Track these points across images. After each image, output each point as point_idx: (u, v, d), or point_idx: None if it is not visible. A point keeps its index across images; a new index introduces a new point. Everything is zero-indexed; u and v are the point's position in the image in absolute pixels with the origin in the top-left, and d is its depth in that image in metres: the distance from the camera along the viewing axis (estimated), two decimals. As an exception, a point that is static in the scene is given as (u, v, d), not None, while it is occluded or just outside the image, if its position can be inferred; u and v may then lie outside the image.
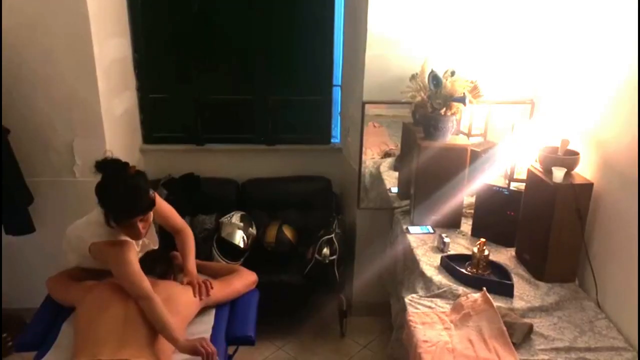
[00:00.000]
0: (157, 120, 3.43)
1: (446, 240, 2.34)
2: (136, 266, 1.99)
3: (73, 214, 2.95)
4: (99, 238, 2.05)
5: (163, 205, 2.29)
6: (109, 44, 2.89)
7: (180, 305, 2.02)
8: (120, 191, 1.95)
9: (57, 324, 2.07)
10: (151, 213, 2.05)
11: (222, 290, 2.22)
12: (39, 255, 3.00)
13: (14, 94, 2.70)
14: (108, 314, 1.91)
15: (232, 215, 3.09)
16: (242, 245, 2.99)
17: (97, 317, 1.91)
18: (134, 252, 2.06)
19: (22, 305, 2.96)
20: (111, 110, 2.92)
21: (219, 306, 2.19)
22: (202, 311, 2.13)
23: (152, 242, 2.31)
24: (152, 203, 2.02)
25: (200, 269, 2.40)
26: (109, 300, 1.95)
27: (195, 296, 2.10)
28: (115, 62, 3.00)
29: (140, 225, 1.99)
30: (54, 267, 2.31)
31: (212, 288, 2.16)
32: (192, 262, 2.27)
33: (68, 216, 2.95)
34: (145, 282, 1.97)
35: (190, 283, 2.15)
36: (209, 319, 2.13)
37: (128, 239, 2.06)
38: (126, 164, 2.02)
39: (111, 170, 1.99)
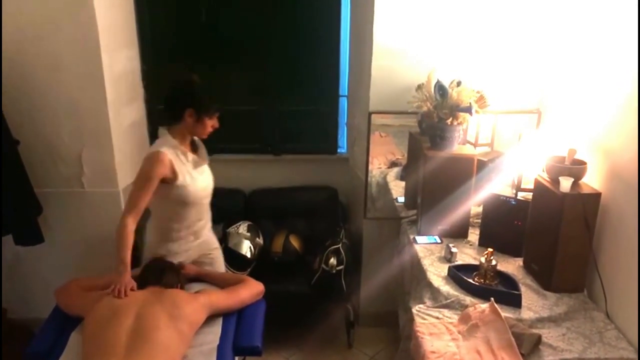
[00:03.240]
0: (164, 131, 3.46)
1: (453, 250, 2.33)
2: (149, 185, 2.18)
3: (81, 225, 2.99)
4: (156, 147, 2.26)
5: None
6: (118, 55, 2.92)
7: (187, 314, 2.02)
8: (199, 87, 2.30)
9: (66, 333, 2.08)
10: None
11: (228, 299, 2.22)
12: (47, 265, 3.02)
13: (24, 105, 2.73)
14: (116, 323, 1.91)
15: (239, 225, 3.10)
16: (249, 255, 3.00)
17: (106, 326, 1.91)
18: (162, 172, 2.21)
19: (31, 315, 2.97)
20: (119, 122, 2.95)
21: (225, 316, 2.19)
22: (209, 321, 2.13)
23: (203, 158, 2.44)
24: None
25: (207, 279, 2.41)
26: (118, 310, 1.96)
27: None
28: (124, 74, 3.03)
29: (212, 122, 2.31)
30: (62, 277, 2.33)
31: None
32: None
33: (76, 227, 2.99)
34: (140, 202, 2.18)
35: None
36: (216, 329, 2.12)
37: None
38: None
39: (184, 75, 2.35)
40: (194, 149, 2.43)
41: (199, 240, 2.49)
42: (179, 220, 2.37)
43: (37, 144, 2.81)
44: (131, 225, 2.18)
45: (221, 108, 2.33)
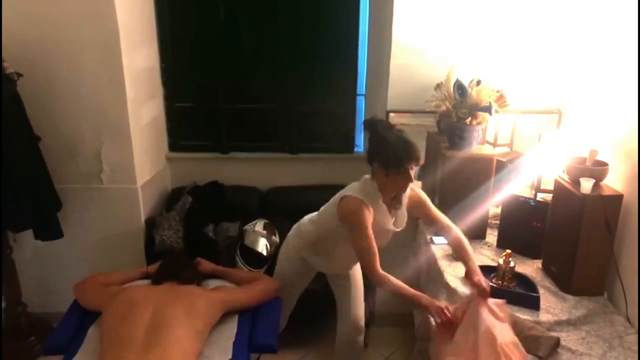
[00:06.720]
0: (183, 128, 3.48)
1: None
2: (369, 231, 2.08)
3: (100, 220, 3.02)
4: (352, 192, 2.13)
5: (428, 202, 2.29)
6: (138, 53, 2.95)
7: (203, 310, 2.03)
8: (393, 139, 2.07)
9: (84, 328, 2.10)
10: (411, 175, 2.11)
11: (244, 297, 2.22)
12: (66, 260, 3.06)
13: (45, 103, 2.77)
14: (134, 319, 1.92)
15: (256, 223, 3.10)
16: (265, 253, 3.00)
17: (123, 322, 1.93)
18: (370, 218, 2.10)
19: (50, 309, 3.01)
20: (138, 119, 2.97)
21: (241, 314, 2.20)
22: (225, 318, 2.14)
23: (401, 220, 2.29)
24: (419, 157, 2.11)
25: (223, 276, 2.42)
26: (136, 305, 1.97)
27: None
28: (143, 72, 3.05)
29: (404, 178, 2.08)
30: (81, 272, 2.35)
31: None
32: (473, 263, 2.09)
33: (95, 222, 3.02)
34: (374, 252, 2.09)
35: (479, 282, 1.97)
36: (232, 326, 2.13)
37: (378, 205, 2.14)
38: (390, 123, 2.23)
39: (380, 125, 2.14)
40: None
41: (333, 263, 2.48)
42: (336, 246, 2.34)
43: (58, 141, 2.85)
44: (382, 271, 2.11)
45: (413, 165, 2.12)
